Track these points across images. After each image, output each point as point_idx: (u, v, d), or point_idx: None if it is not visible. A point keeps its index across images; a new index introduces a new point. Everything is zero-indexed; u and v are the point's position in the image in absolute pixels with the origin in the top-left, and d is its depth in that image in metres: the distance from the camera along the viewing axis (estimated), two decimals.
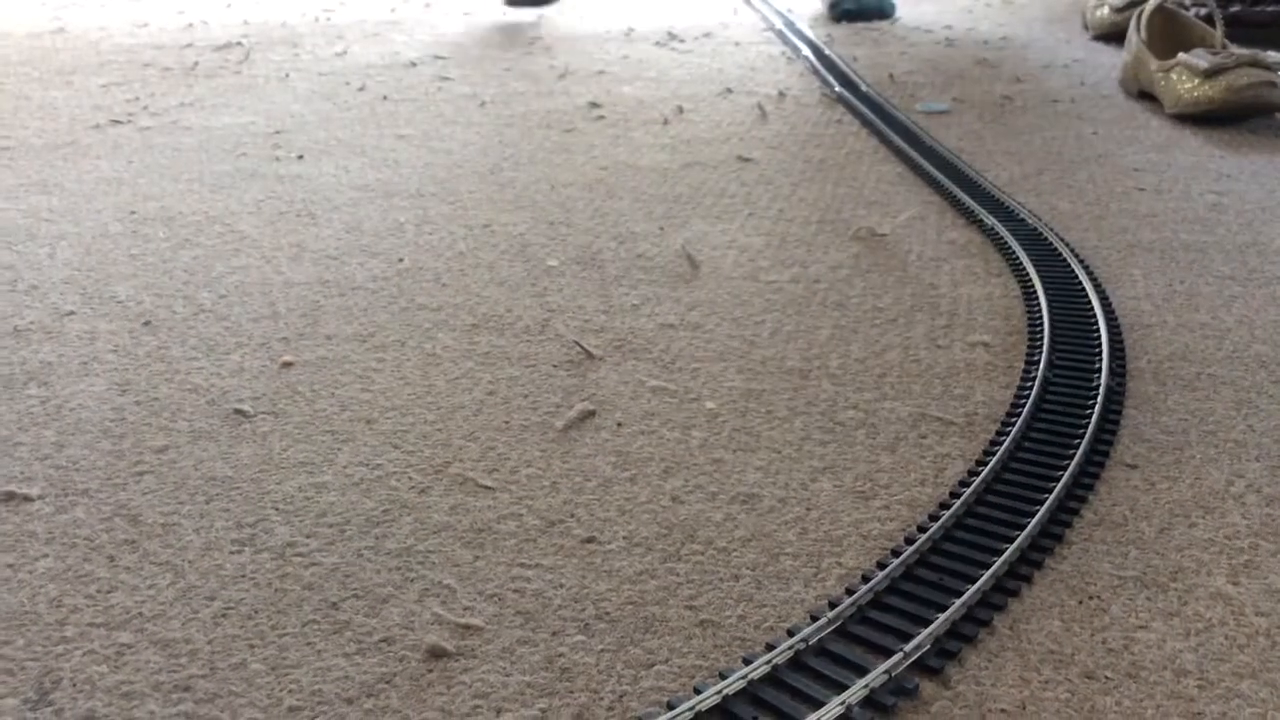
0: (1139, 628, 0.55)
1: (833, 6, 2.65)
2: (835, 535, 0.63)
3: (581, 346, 0.86)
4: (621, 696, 0.51)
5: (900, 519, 0.64)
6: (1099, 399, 0.74)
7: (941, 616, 0.54)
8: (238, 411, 0.77)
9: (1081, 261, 1.00)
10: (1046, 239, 1.06)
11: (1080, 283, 0.94)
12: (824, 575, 0.60)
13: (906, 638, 0.53)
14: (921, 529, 0.62)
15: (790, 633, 0.54)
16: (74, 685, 0.52)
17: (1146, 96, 1.67)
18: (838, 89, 1.74)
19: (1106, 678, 0.52)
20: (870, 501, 0.66)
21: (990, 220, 1.11)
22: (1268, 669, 0.52)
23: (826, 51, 2.13)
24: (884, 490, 0.67)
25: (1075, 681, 0.52)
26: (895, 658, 0.51)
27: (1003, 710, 0.50)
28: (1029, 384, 0.78)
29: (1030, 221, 1.11)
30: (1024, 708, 0.50)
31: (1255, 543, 0.61)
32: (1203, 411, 0.75)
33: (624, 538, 0.63)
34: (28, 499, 0.67)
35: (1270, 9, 2.03)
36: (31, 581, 0.60)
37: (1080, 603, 0.57)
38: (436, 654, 0.54)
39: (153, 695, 0.52)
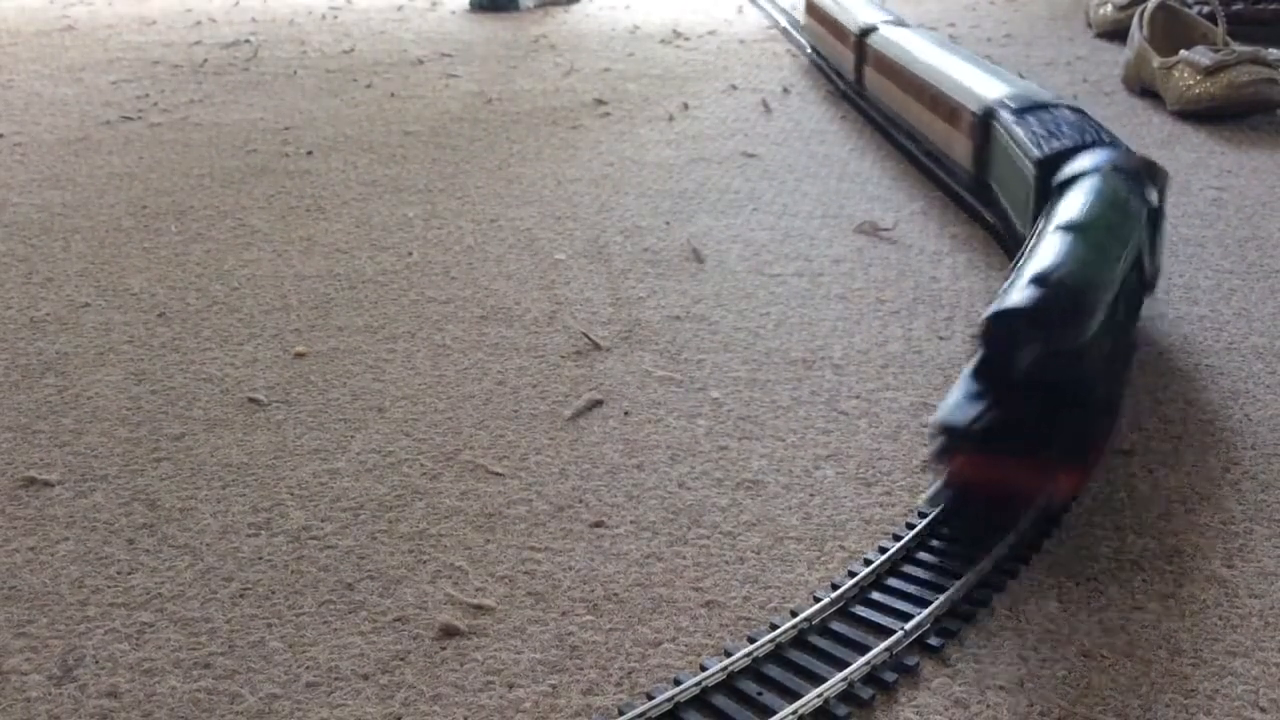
0: (1135, 609, 0.56)
1: None
2: (838, 520, 0.64)
3: (589, 337, 0.88)
4: (630, 673, 0.53)
5: (902, 504, 0.66)
6: None
7: (941, 597, 0.55)
8: (252, 400, 0.79)
9: None
10: None
11: None
12: (827, 558, 0.61)
13: (907, 618, 0.54)
14: (922, 514, 0.63)
15: (793, 613, 0.55)
16: (97, 662, 0.54)
17: (1149, 93, 1.68)
18: (842, 85, 1.75)
19: (1103, 656, 0.53)
20: (872, 487, 0.68)
21: (992, 215, 1.12)
22: (1260, 648, 0.53)
23: None
24: (886, 477, 0.69)
25: (1073, 660, 0.53)
26: (896, 636, 0.53)
27: (1001, 687, 0.51)
28: None
29: None
30: (1022, 685, 0.51)
31: (1250, 528, 0.63)
32: (1200, 401, 0.77)
33: (631, 522, 0.64)
34: (48, 484, 0.69)
35: (1272, 6, 2.04)
36: (53, 563, 0.61)
37: (1078, 584, 0.58)
38: (450, 632, 0.55)
39: (173, 672, 0.53)
